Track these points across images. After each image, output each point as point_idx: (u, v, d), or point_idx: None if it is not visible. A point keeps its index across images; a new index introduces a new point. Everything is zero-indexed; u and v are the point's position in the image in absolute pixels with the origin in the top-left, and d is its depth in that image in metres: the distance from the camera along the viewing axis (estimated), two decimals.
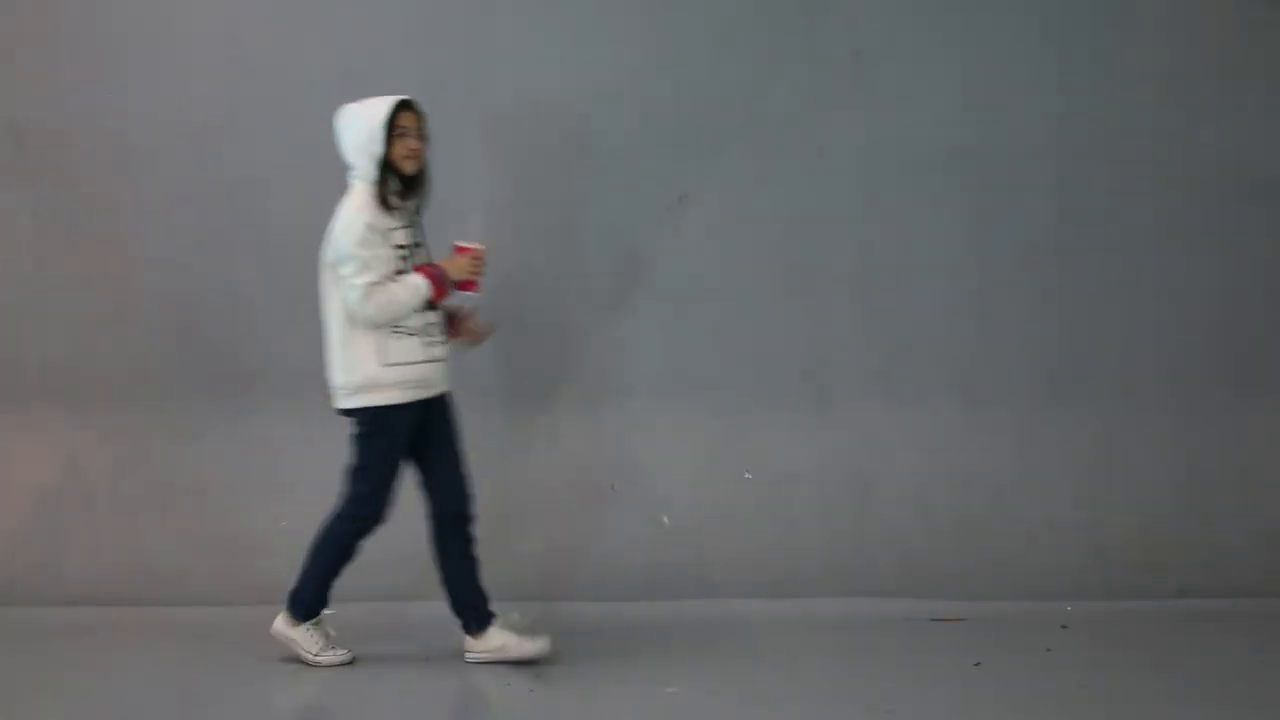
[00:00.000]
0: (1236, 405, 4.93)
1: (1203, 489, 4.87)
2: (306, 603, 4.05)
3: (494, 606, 4.06)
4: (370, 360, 3.86)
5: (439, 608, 4.46)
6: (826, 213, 4.89)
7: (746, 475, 4.79)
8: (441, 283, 3.90)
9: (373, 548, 4.69)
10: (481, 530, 4.70)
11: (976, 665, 3.98)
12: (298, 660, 4.01)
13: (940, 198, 4.89)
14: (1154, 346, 4.93)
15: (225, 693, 3.77)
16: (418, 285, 3.86)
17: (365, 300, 3.82)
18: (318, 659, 4.01)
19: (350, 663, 4.01)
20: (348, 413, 3.94)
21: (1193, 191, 4.93)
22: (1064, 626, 4.38)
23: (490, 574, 4.64)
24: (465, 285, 3.98)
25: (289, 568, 4.64)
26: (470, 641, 4.05)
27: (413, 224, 3.97)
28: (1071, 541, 4.78)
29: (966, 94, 4.88)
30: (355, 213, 3.85)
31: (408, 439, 3.96)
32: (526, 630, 4.02)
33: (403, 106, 3.92)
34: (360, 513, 3.99)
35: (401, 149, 3.88)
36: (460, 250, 3.97)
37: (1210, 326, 4.94)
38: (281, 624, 4.05)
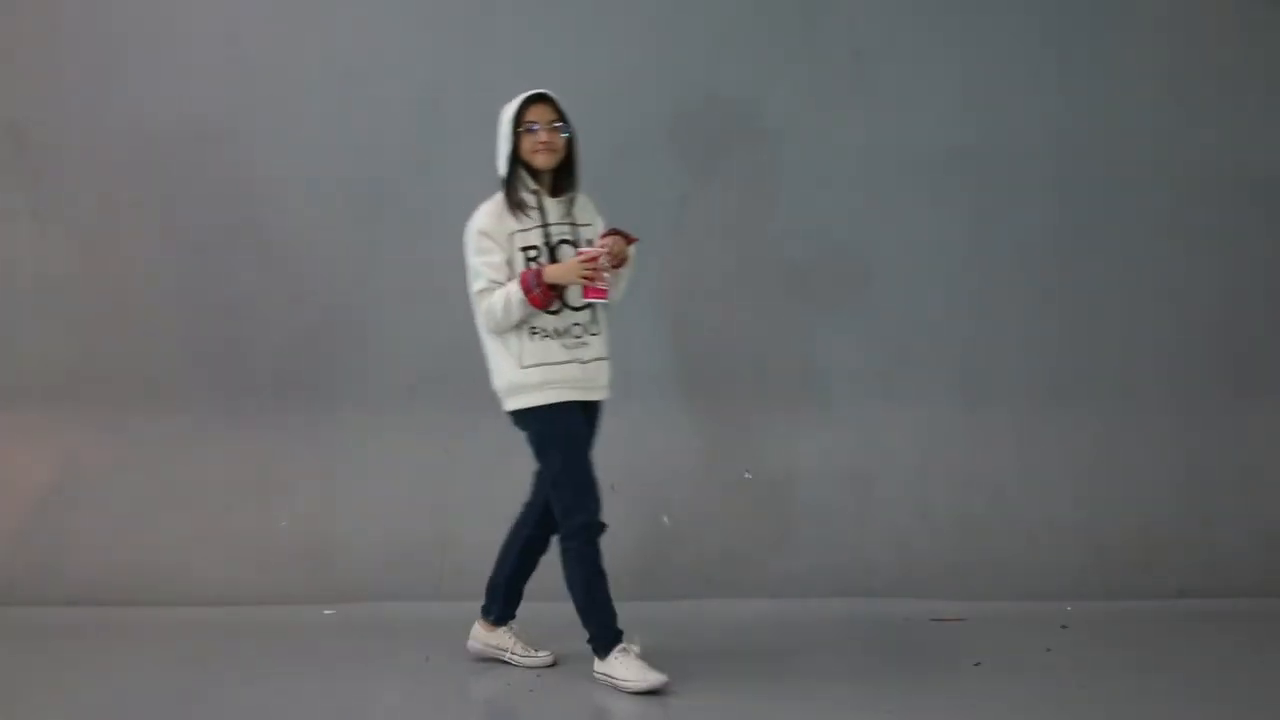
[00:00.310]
0: (1236, 405, 4.92)
1: (1203, 489, 4.86)
2: (603, 629, 3.80)
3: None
4: (510, 364, 3.79)
5: (440, 608, 4.47)
6: (826, 213, 4.88)
7: (746, 475, 4.79)
8: (531, 287, 3.69)
9: (373, 548, 4.69)
10: (482, 530, 4.71)
11: (976, 665, 3.98)
12: (617, 685, 3.78)
13: (940, 198, 4.89)
14: (1154, 346, 4.93)
15: (225, 693, 3.77)
16: (509, 292, 3.69)
17: (475, 308, 3.78)
18: (639, 685, 3.74)
19: (664, 685, 3.74)
20: (511, 417, 3.87)
21: (1193, 191, 4.93)
22: (1064, 626, 4.38)
23: (489, 572, 4.64)
24: (591, 291, 3.75)
25: (289, 568, 4.66)
26: (478, 629, 4.05)
27: (559, 221, 3.82)
28: (1071, 541, 4.78)
29: (966, 94, 4.88)
30: (473, 219, 3.79)
31: (580, 434, 3.83)
32: (534, 643, 4.01)
33: (535, 100, 3.80)
34: (576, 524, 3.78)
35: (529, 143, 3.78)
36: (579, 254, 3.78)
37: (1210, 326, 4.94)
38: (599, 664, 3.82)
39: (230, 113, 4.79)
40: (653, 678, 3.74)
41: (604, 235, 3.82)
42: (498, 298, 3.72)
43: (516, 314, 3.72)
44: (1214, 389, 4.93)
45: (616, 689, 3.76)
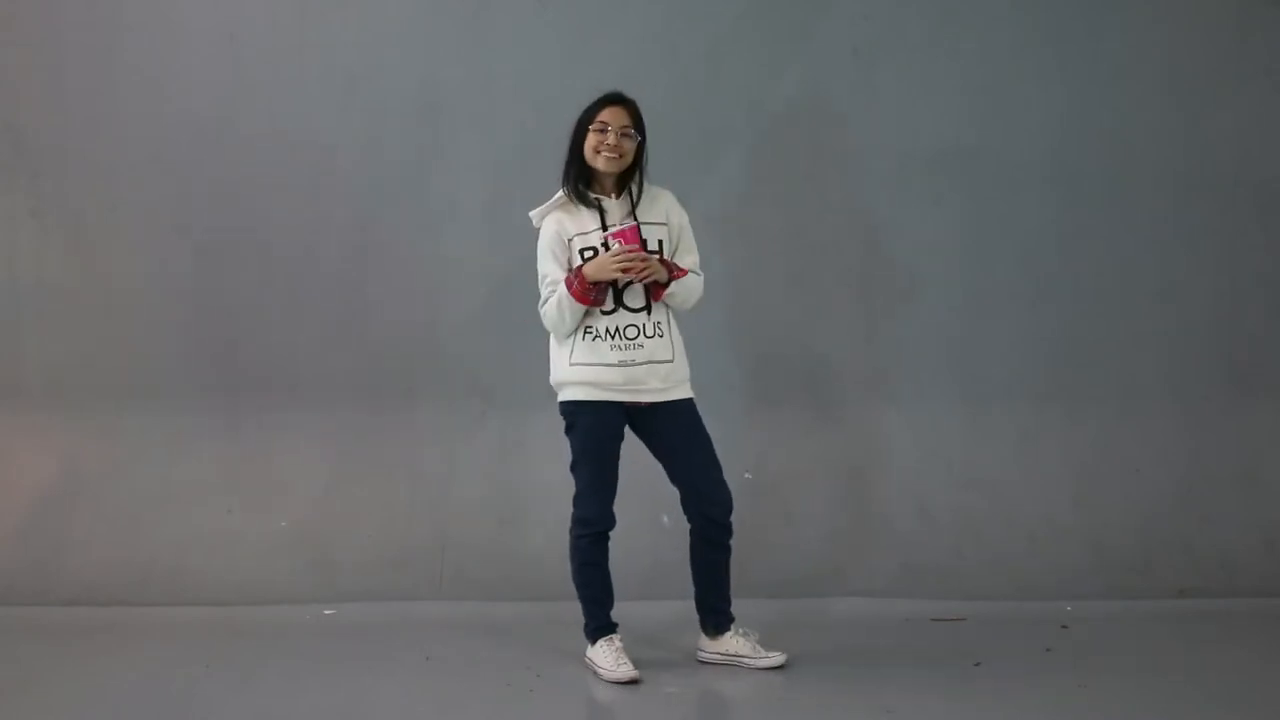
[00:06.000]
0: (1236, 405, 4.93)
1: (1203, 489, 4.87)
2: (590, 617, 3.94)
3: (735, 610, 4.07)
4: (562, 359, 3.86)
5: (440, 608, 4.47)
6: (827, 213, 4.89)
7: (746, 475, 4.79)
8: (572, 284, 3.73)
9: (373, 548, 4.69)
10: (482, 530, 4.71)
11: (976, 665, 3.98)
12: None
13: (939, 197, 4.89)
14: (1154, 346, 4.93)
15: (225, 693, 3.77)
16: (559, 294, 3.76)
17: (542, 315, 3.86)
18: (608, 675, 3.84)
19: (634, 681, 3.82)
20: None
21: (1193, 191, 4.93)
22: (1064, 626, 4.38)
23: (491, 573, 4.65)
24: (656, 290, 3.82)
25: (289, 568, 4.66)
26: (704, 640, 4.04)
27: (622, 222, 3.81)
28: (1071, 541, 4.78)
29: (966, 93, 4.89)
30: (542, 230, 3.86)
31: (605, 440, 3.87)
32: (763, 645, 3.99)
33: (612, 101, 3.82)
34: (577, 514, 3.90)
35: (593, 142, 3.78)
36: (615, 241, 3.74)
37: (1210, 326, 4.94)
38: (587, 649, 3.94)
39: (230, 113, 4.79)
40: (623, 671, 3.82)
41: (618, 234, 3.77)
42: (552, 303, 3.79)
43: (568, 312, 3.77)
44: (1214, 389, 4.93)
45: (597, 676, 3.86)
